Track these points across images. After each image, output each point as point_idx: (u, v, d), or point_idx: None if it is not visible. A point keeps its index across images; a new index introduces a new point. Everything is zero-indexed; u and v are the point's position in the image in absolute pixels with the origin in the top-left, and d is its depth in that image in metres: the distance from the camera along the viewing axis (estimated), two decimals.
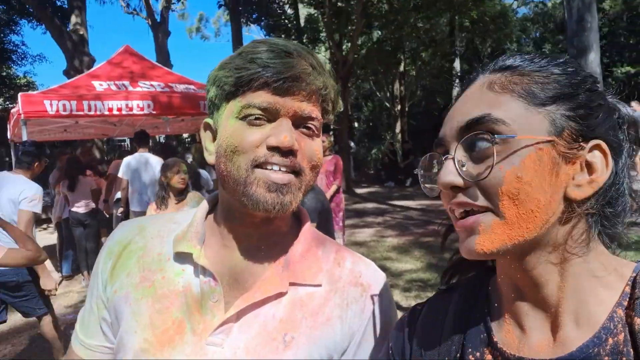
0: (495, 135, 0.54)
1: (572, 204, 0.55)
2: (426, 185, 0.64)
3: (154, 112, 6.38)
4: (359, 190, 14.65)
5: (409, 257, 6.80)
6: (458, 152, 0.57)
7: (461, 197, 0.57)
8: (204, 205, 0.86)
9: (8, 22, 16.68)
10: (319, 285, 0.79)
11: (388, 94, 21.53)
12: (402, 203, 11.90)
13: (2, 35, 16.78)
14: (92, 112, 5.95)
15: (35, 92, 6.57)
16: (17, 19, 16.66)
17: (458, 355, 0.63)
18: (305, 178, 0.75)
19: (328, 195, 5.67)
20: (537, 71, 0.58)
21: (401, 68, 20.01)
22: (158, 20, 20.88)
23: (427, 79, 20.44)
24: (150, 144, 6.36)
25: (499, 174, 0.53)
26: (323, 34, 17.16)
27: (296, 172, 0.73)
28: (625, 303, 0.54)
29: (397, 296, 5.18)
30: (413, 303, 4.72)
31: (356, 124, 28.42)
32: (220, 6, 17.21)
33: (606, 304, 0.55)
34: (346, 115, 17.60)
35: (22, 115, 5.51)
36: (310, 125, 0.75)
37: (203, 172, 5.87)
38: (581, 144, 0.55)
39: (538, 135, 0.54)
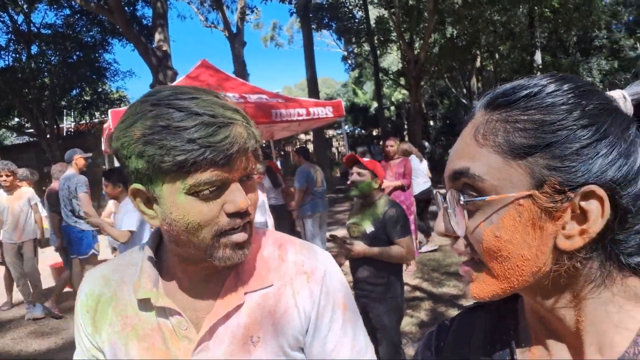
0: (462, 197, 0.54)
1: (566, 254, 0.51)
2: None
3: None
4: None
5: None
6: (450, 202, 0.57)
7: (456, 245, 0.58)
8: (148, 251, 0.91)
9: (102, 42, 18.18)
10: (271, 285, 0.89)
11: (465, 90, 20.83)
12: None
13: (97, 55, 18.32)
14: None
15: (123, 108, 7.12)
16: (109, 39, 18.12)
17: None
18: (253, 221, 0.85)
19: (387, 188, 5.73)
20: (521, 112, 0.53)
21: (477, 63, 19.28)
22: (234, 31, 21.80)
23: (506, 72, 19.50)
24: None
25: (480, 232, 0.53)
26: (394, 34, 16.96)
27: (250, 222, 0.83)
28: None
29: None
30: None
31: (431, 123, 27.76)
32: (292, 14, 17.61)
33: (629, 332, 0.52)
34: (420, 114, 17.26)
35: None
36: (251, 176, 0.82)
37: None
38: (567, 194, 0.50)
39: (515, 192, 0.51)
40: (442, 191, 0.63)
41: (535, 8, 15.07)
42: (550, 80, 0.54)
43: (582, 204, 0.50)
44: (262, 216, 5.05)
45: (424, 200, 7.26)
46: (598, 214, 0.49)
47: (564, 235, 0.51)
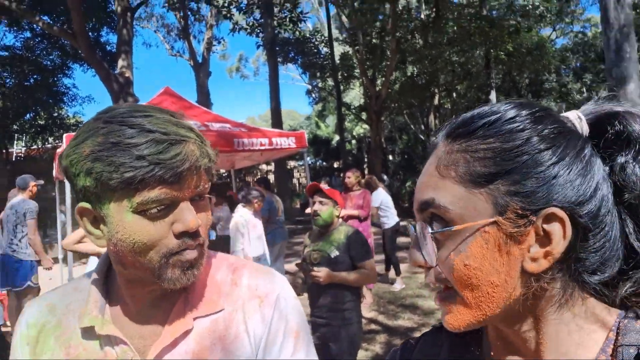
0: (429, 228, 0.54)
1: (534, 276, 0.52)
2: None
3: None
4: None
5: None
6: (419, 234, 0.57)
7: (430, 275, 0.57)
8: (95, 277, 0.87)
9: (62, 66, 17.77)
10: (221, 310, 0.86)
11: (423, 127, 21.47)
12: None
13: (55, 79, 17.85)
14: None
15: None
16: (69, 63, 17.73)
17: None
18: (205, 242, 0.82)
19: (344, 216, 5.75)
20: (481, 142, 0.54)
21: (436, 101, 19.98)
22: (200, 61, 21.85)
23: (463, 110, 20.23)
24: None
25: (450, 262, 0.53)
26: (357, 71, 17.42)
27: (201, 244, 0.80)
28: (609, 350, 0.51)
29: None
30: None
31: (391, 157, 28.34)
32: (258, 47, 17.84)
33: (589, 352, 0.52)
34: (380, 148, 17.61)
35: None
36: (204, 196, 0.80)
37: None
38: (530, 218, 0.51)
39: (480, 220, 0.52)
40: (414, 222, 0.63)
41: (491, 51, 15.87)
42: (507, 107, 0.55)
43: (545, 226, 0.51)
44: (261, 248, 4.96)
45: (397, 230, 7.32)
46: (560, 236, 0.50)
47: (530, 258, 0.51)
